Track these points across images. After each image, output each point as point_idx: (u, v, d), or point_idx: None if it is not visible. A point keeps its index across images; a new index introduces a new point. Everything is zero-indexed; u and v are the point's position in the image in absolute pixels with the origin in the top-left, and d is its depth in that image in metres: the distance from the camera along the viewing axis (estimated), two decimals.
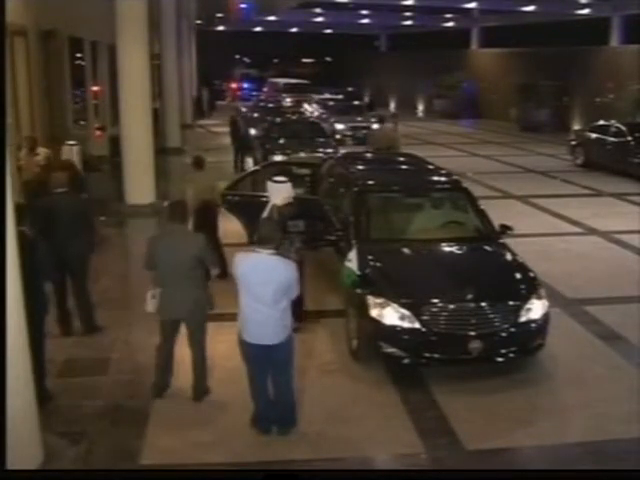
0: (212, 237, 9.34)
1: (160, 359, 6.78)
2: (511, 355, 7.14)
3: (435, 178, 9.62)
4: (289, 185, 8.32)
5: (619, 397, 6.92)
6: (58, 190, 8.11)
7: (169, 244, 6.51)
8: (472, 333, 6.93)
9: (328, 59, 58.98)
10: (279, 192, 8.16)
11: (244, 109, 29.59)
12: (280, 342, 5.85)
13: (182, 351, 6.81)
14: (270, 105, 28.09)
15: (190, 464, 5.73)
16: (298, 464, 5.76)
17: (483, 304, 7.09)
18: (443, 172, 9.78)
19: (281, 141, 18.26)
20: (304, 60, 61.31)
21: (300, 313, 7.80)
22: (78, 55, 18.32)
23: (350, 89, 39.12)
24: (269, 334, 5.81)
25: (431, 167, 10.16)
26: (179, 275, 6.42)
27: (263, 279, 5.74)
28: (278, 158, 16.36)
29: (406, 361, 7.03)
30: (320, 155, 15.52)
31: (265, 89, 40.93)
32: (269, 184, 8.33)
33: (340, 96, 32.86)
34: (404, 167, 10.71)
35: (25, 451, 5.50)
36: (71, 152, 12.60)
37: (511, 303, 7.18)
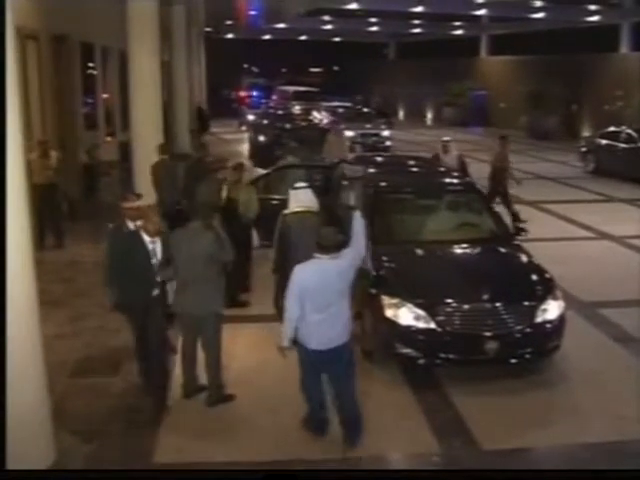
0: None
1: (182, 358, 6.77)
2: (527, 356, 7.09)
3: (449, 180, 9.60)
4: (309, 191, 7.96)
5: (635, 398, 6.85)
6: None
7: (183, 240, 6.45)
8: (488, 334, 6.88)
9: (336, 67, 58.98)
10: (297, 198, 7.84)
11: (251, 116, 29.69)
12: (347, 341, 5.83)
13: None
14: (279, 112, 28.09)
15: (198, 463, 5.70)
16: (297, 464, 5.71)
17: (498, 304, 7.03)
18: (456, 174, 9.76)
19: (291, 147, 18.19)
20: (313, 69, 61.28)
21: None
22: (89, 61, 18.35)
23: (359, 97, 39.17)
24: (339, 335, 5.76)
25: (443, 169, 10.13)
26: (192, 272, 6.36)
27: (327, 283, 5.66)
28: None
29: (421, 361, 6.98)
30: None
31: (274, 97, 40.95)
32: (290, 192, 7.95)
33: (349, 104, 32.86)
34: (417, 169, 10.69)
35: (38, 450, 5.49)
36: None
37: (526, 303, 7.12)
